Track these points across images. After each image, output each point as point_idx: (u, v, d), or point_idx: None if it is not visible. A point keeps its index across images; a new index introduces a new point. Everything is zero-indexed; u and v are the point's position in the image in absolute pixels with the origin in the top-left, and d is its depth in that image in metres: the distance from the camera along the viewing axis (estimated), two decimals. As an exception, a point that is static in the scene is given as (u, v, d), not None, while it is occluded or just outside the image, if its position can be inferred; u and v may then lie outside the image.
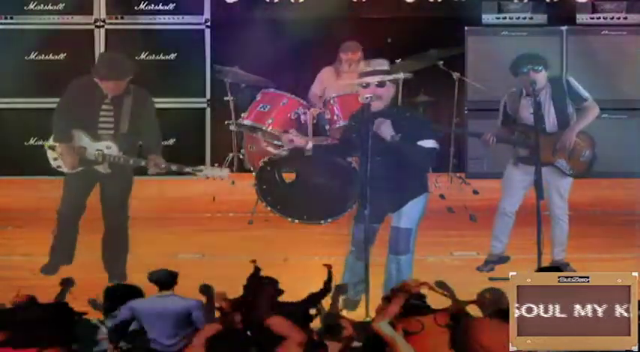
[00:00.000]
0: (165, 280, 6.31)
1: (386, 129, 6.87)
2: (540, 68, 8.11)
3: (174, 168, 8.14)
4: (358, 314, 6.95)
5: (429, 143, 6.98)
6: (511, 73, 8.22)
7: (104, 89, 7.96)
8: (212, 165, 11.77)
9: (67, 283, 6.60)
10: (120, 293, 6.31)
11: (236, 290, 6.22)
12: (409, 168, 7.01)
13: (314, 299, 6.30)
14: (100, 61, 8.05)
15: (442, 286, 6.14)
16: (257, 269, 6.33)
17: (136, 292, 6.31)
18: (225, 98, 11.00)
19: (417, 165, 7.05)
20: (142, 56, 11.66)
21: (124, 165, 8.06)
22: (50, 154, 8.27)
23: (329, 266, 6.59)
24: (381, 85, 7.05)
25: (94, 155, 8.03)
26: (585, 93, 8.23)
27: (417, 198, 7.15)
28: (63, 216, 8.30)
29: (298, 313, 6.06)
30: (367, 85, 6.99)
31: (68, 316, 5.74)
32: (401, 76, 7.20)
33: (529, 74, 8.00)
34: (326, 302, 6.38)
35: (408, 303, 5.75)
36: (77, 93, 8.09)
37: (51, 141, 8.26)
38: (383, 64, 7.24)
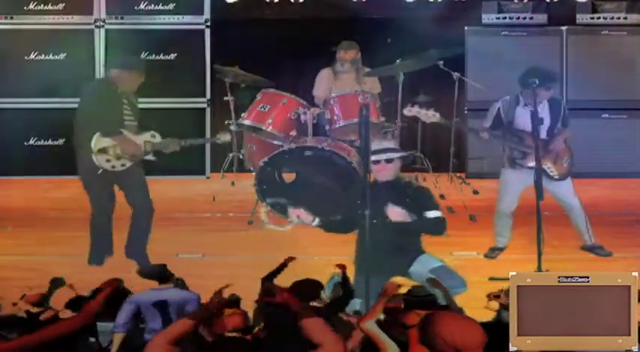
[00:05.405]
0: (159, 274, 6.38)
1: (398, 214, 7.15)
2: (552, 88, 8.60)
3: (183, 142, 8.53)
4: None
5: (433, 213, 7.19)
6: (520, 83, 8.49)
7: (122, 86, 8.29)
8: (212, 165, 11.82)
9: (55, 283, 6.60)
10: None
11: (236, 290, 6.21)
12: (414, 237, 7.24)
13: (338, 304, 6.17)
14: (125, 57, 8.57)
15: (433, 282, 6.15)
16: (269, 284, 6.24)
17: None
18: (225, 98, 11.00)
19: (427, 233, 7.28)
20: (142, 56, 11.67)
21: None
22: (101, 158, 8.21)
23: (343, 268, 6.54)
24: (389, 161, 7.29)
25: (143, 146, 8.31)
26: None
27: (421, 256, 7.24)
28: (97, 217, 8.45)
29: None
30: (378, 161, 7.25)
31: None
32: (406, 154, 7.65)
33: (539, 90, 8.28)
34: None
35: (414, 298, 5.71)
36: (99, 94, 8.34)
37: (97, 145, 8.19)
38: (393, 143, 7.68)
